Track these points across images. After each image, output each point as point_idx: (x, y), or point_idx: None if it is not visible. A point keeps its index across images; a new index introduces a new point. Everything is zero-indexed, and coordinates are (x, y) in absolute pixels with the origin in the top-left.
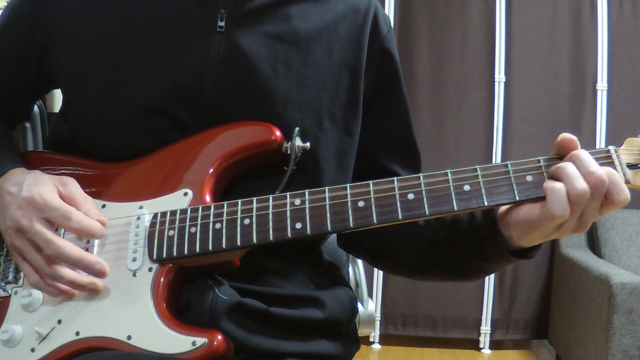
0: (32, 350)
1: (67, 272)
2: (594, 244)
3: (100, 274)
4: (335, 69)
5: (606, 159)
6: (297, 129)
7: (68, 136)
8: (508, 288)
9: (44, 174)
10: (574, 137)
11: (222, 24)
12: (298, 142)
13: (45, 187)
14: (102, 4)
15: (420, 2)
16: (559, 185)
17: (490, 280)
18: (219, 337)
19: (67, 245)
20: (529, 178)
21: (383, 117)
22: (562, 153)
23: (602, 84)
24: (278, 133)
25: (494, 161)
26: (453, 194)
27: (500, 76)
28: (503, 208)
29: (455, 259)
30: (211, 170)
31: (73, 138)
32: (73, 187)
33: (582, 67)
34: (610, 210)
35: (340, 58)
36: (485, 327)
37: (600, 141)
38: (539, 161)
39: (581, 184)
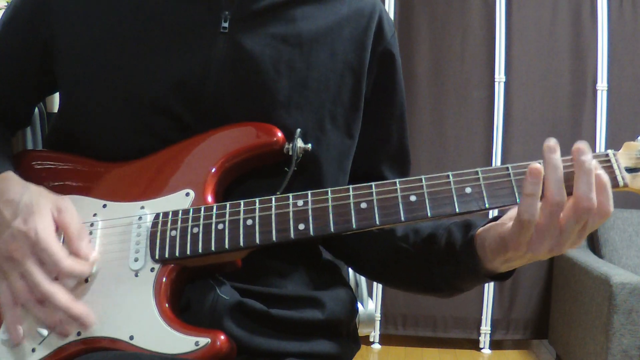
0: (33, 350)
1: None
2: (594, 244)
3: (83, 326)
4: (338, 71)
5: (605, 163)
6: (298, 130)
7: (68, 135)
8: (508, 288)
9: (41, 194)
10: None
11: (225, 24)
12: (300, 143)
13: (41, 218)
14: (106, 3)
15: (420, 2)
16: (535, 194)
17: None
18: (222, 337)
19: (55, 292)
20: None
21: (378, 122)
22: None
23: (602, 84)
24: (280, 134)
25: (493, 161)
26: (455, 196)
27: (500, 76)
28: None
29: (428, 272)
30: (213, 171)
31: (73, 137)
32: (68, 215)
33: (582, 67)
34: (592, 224)
35: (344, 61)
36: (485, 327)
37: (601, 141)
38: (539, 163)
39: (560, 194)
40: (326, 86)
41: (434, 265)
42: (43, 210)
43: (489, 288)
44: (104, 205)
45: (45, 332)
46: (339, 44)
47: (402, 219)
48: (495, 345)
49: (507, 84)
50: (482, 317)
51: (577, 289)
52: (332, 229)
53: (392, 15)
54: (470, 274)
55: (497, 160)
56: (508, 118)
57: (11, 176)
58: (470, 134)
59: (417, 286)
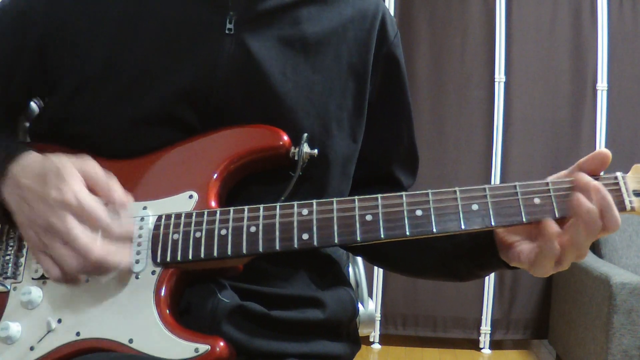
0: (31, 348)
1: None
2: (594, 244)
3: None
4: (343, 74)
5: (613, 186)
6: (305, 135)
7: (69, 134)
8: (508, 288)
9: (61, 160)
10: (609, 153)
11: (230, 26)
12: (306, 148)
13: (75, 183)
14: (109, 5)
15: (420, 2)
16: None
17: (490, 280)
18: (222, 344)
19: (106, 253)
20: (536, 200)
21: (388, 124)
22: (595, 169)
23: (602, 84)
24: (286, 138)
25: (493, 161)
26: (461, 213)
27: (500, 76)
28: (503, 240)
29: (453, 265)
30: (217, 173)
31: (75, 136)
32: (94, 172)
33: (582, 67)
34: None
35: (348, 64)
36: (485, 327)
37: (600, 141)
38: (547, 184)
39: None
40: (331, 90)
41: (457, 256)
42: (72, 175)
43: (489, 288)
44: (106, 204)
45: (44, 330)
46: (344, 46)
47: (408, 233)
48: (495, 345)
49: (507, 84)
50: (482, 317)
51: (577, 289)
52: (336, 240)
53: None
54: (491, 261)
55: (497, 160)
56: (508, 118)
57: (31, 153)
58: (470, 134)
59: (442, 276)
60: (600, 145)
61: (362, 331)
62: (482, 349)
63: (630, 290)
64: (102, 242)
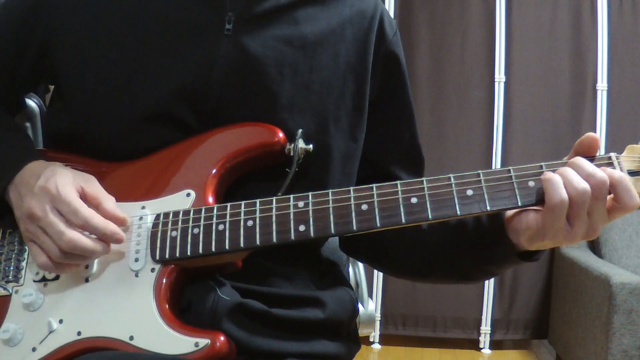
0: (33, 349)
1: (79, 260)
2: (594, 244)
3: (118, 241)
4: (341, 74)
5: (607, 166)
6: (300, 130)
7: (69, 134)
8: (508, 288)
9: (64, 167)
10: (597, 137)
11: (229, 26)
12: (301, 143)
13: (62, 178)
14: (109, 3)
15: (420, 2)
16: (555, 176)
17: (490, 280)
18: (222, 338)
19: (79, 236)
20: (531, 184)
21: (389, 123)
22: (584, 152)
23: (602, 84)
24: (281, 134)
25: (493, 161)
26: (456, 199)
27: (500, 76)
28: (509, 214)
29: (460, 262)
30: (214, 171)
31: (75, 136)
32: (96, 184)
33: (582, 67)
34: (620, 215)
35: (346, 63)
36: (485, 327)
37: (601, 141)
38: (541, 167)
39: (581, 183)
40: (329, 89)
41: (464, 251)
42: (65, 175)
43: (489, 288)
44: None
45: (45, 331)
46: (342, 46)
47: (403, 221)
48: (495, 345)
49: (507, 84)
50: (482, 317)
51: (577, 289)
52: (332, 231)
53: (392, 16)
54: (500, 252)
55: (497, 160)
56: (508, 118)
57: (39, 162)
58: (470, 134)
59: (449, 277)
60: (601, 145)
61: (362, 331)
62: (482, 349)
63: (630, 290)
64: (75, 228)
